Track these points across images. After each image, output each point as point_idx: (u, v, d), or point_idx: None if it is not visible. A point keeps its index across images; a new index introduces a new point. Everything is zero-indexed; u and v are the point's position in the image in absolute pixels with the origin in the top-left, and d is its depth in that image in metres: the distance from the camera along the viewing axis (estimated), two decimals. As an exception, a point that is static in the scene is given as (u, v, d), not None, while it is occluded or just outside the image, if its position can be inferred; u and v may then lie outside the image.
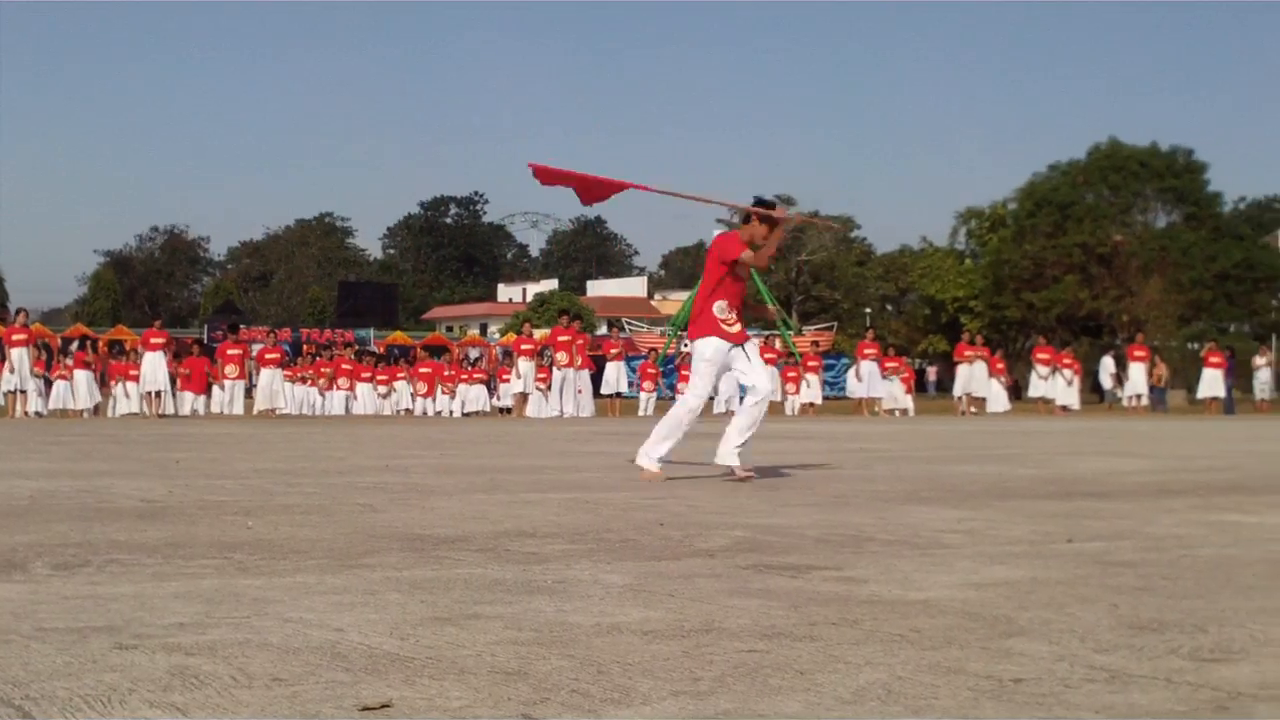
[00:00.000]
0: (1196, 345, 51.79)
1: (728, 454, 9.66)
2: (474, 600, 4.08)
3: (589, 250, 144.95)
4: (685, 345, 49.81)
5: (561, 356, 30.94)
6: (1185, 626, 3.70)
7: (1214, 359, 38.30)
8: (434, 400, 35.18)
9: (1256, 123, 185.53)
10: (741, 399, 10.26)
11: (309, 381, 34.77)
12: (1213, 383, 37.91)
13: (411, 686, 2.87)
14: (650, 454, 9.81)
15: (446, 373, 36.08)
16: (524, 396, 32.31)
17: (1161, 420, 31.49)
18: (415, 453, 14.04)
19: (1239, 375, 41.02)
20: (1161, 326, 56.85)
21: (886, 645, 3.40)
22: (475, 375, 36.15)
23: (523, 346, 32.47)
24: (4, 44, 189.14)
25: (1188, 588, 4.50)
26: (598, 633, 3.53)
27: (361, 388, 34.81)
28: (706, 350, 9.69)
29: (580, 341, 31.76)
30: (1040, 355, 37.94)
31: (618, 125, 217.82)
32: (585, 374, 31.63)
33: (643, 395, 35.32)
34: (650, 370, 35.81)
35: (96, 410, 30.54)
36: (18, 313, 30.13)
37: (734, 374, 9.90)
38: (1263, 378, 40.33)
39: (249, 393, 32.59)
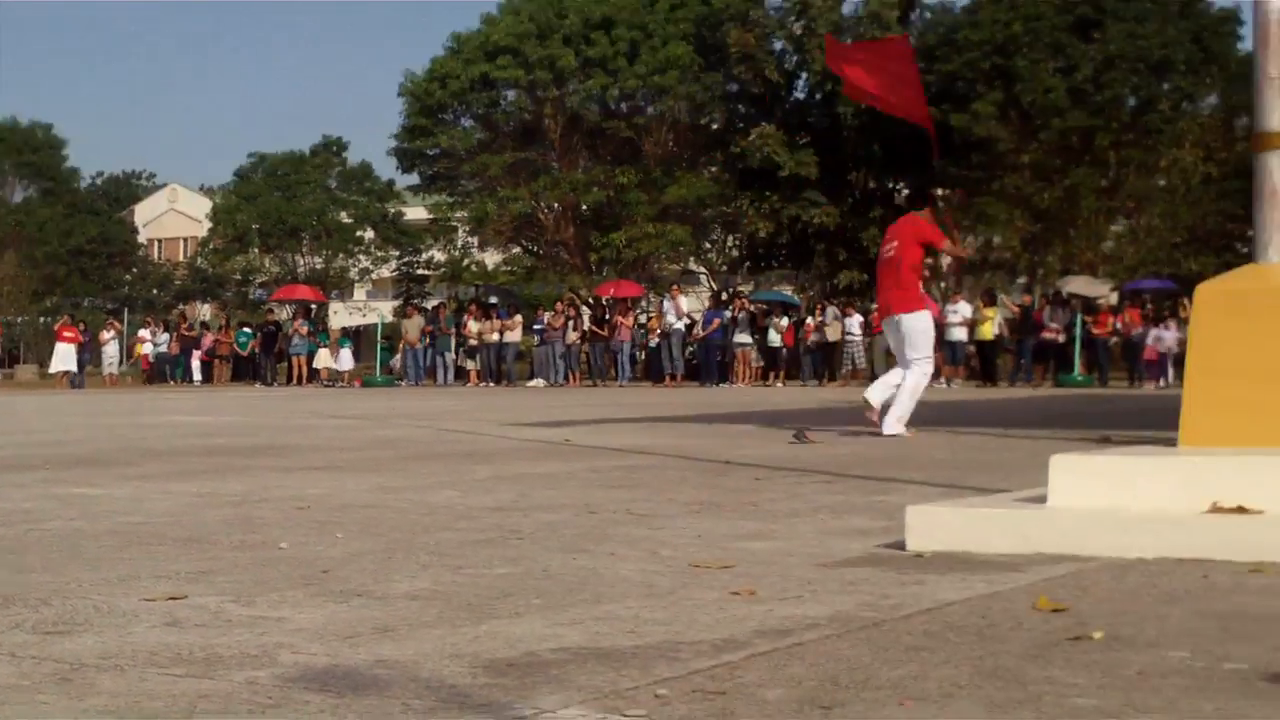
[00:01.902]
0: (49, 320, 51.51)
1: (895, 423, 11.09)
2: None
3: None
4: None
5: None
6: (30, 601, 3.70)
7: (67, 334, 38.37)
8: None
9: (111, 100, 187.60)
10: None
11: None
12: (65, 357, 37.97)
13: None
14: (901, 420, 11.10)
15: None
16: None
17: (8, 394, 31.07)
18: None
19: (92, 350, 41.31)
20: (15, 301, 56.00)
21: None
22: None
23: None
24: None
25: (34, 562, 4.50)
26: None
27: None
28: (924, 323, 11.46)
29: None
30: None
31: None
32: None
33: None
34: None
35: None
36: None
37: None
38: (110, 352, 40.84)
39: None
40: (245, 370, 40.56)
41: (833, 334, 32.86)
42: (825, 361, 33.42)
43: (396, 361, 38.23)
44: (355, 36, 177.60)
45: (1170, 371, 28.97)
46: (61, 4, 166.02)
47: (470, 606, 3.65)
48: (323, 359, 37.98)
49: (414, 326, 37.27)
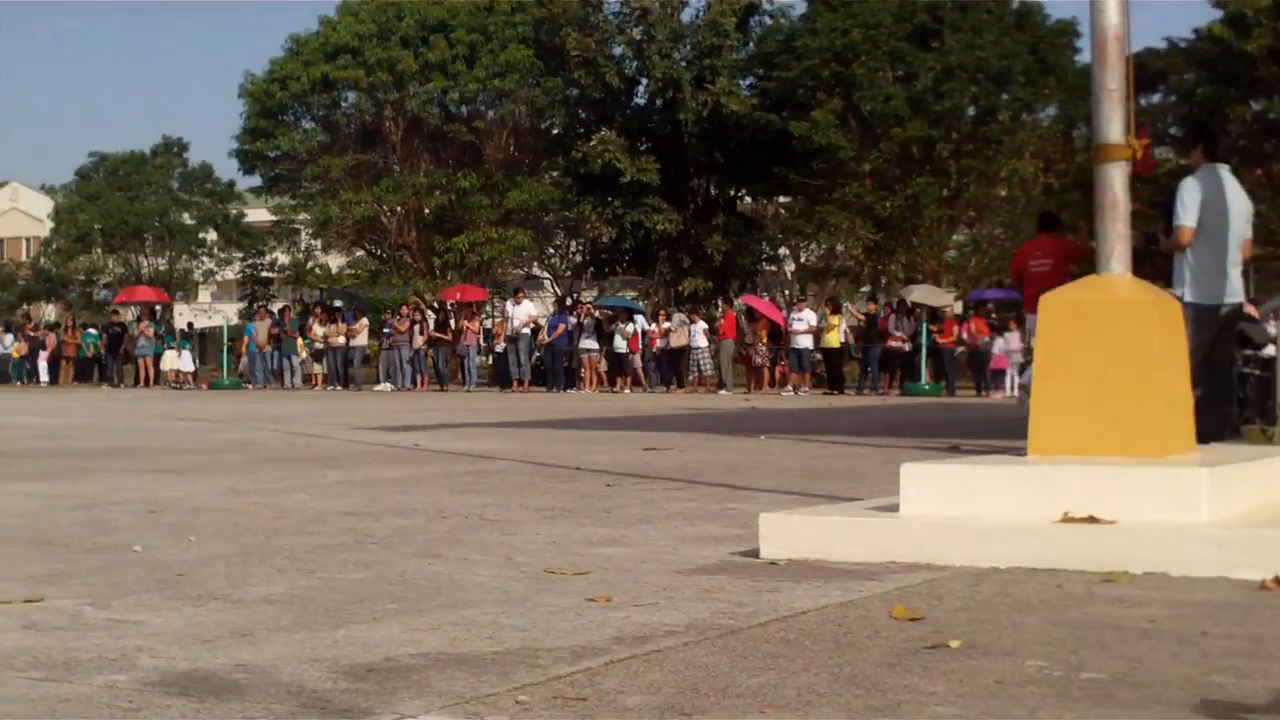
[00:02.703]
0: None
1: None
2: None
3: None
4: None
5: None
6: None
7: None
8: None
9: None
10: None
11: None
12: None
13: None
14: None
15: None
16: None
17: None
18: None
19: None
20: None
21: None
22: None
23: None
24: None
25: None
26: None
27: None
28: None
29: None
30: None
31: None
32: None
33: None
34: None
35: None
36: None
37: None
38: None
39: None
40: (91, 372, 39.80)
41: (678, 340, 32.95)
42: (672, 367, 33.49)
43: (243, 363, 37.71)
44: (195, 36, 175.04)
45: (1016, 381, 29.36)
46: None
47: (327, 611, 3.63)
48: (169, 360, 37.35)
49: (262, 329, 36.84)
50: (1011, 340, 29.50)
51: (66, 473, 8.27)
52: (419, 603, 3.76)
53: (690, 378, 32.70)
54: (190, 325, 44.47)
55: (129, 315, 41.38)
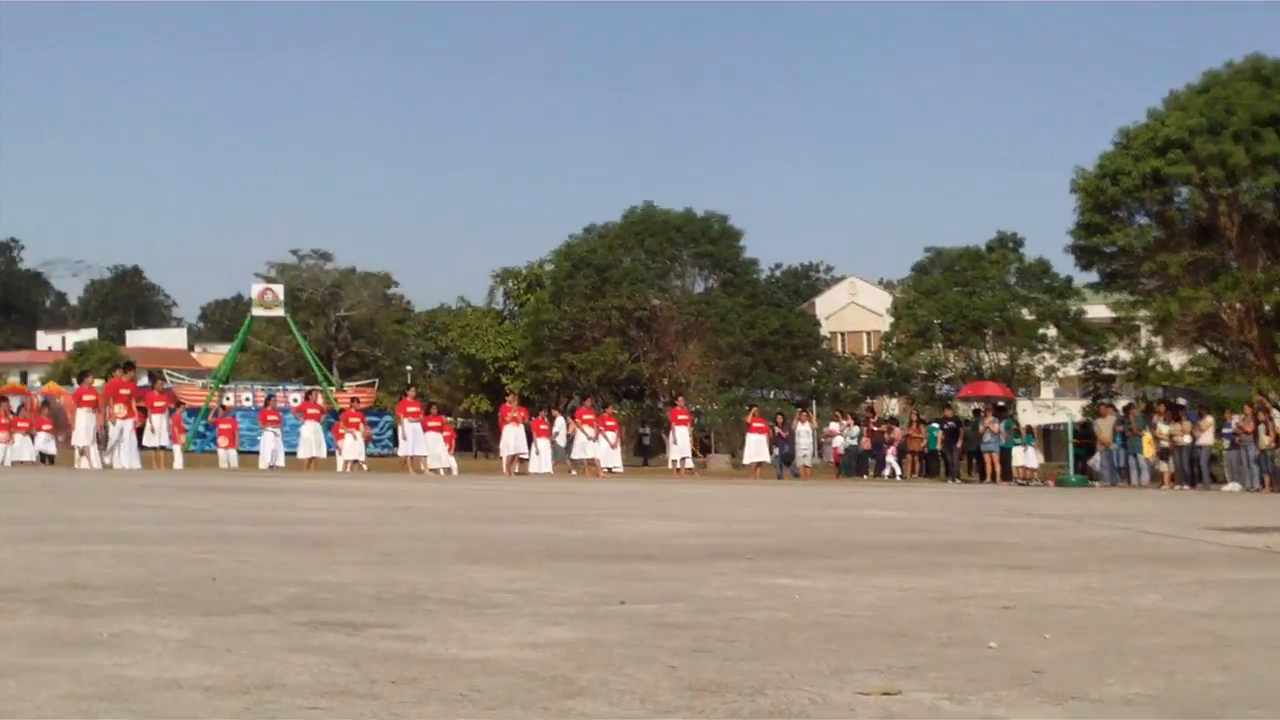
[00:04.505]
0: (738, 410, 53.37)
1: None
2: (31, 653, 3.84)
3: (127, 300, 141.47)
4: (227, 399, 48.76)
5: (120, 409, 29.77)
6: (744, 689, 3.77)
7: (756, 424, 39.67)
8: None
9: (789, 191, 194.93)
10: None
11: None
12: (756, 448, 39.22)
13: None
14: None
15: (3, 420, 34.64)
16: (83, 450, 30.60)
17: (704, 484, 32.51)
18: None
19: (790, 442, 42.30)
20: (702, 391, 58.38)
21: (449, 704, 3.35)
22: (19, 424, 34.98)
23: (84, 398, 30.90)
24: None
25: (744, 650, 4.58)
26: (157, 687, 3.38)
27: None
28: None
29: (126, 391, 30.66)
30: (584, 417, 38.35)
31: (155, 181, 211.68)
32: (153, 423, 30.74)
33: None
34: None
35: None
36: None
37: None
38: (804, 444, 41.60)
39: None
40: (935, 466, 40.82)
41: None
42: None
43: (1094, 461, 37.50)
44: (1026, 133, 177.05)
45: None
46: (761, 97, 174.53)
47: (1187, 713, 3.45)
48: (1017, 456, 37.81)
49: (1106, 426, 36.64)
50: None
51: (916, 566, 8.37)
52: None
53: None
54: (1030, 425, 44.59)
55: (967, 410, 42.10)
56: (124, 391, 30.96)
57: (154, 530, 9.78)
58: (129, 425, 30.30)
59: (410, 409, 35.92)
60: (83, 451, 30.07)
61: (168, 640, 4.28)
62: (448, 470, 35.97)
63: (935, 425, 41.98)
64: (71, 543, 8.27)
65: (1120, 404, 42.42)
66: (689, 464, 39.02)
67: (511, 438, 36.57)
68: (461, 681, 3.70)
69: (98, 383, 33.05)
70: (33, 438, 35.34)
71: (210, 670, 3.71)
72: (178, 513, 12.38)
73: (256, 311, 58.98)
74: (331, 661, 3.97)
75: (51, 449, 35.69)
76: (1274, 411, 36.38)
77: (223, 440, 37.35)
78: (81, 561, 6.88)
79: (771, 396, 60.85)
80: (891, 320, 63.47)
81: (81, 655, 3.88)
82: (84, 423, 29.80)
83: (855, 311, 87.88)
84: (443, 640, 4.56)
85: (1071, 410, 49.02)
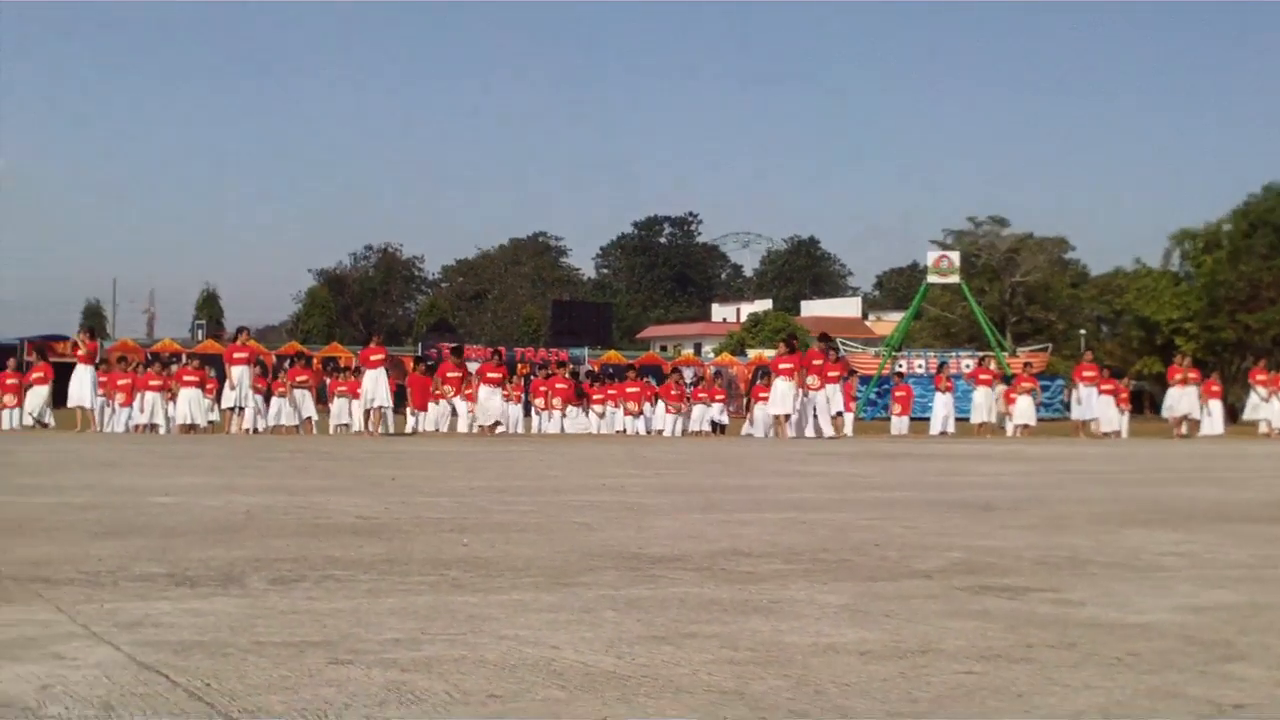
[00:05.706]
0: None
1: None
2: (690, 619, 4.06)
3: (803, 271, 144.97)
4: (900, 365, 49.82)
5: (813, 380, 29.91)
6: None
7: None
8: (641, 419, 35.22)
9: None
10: None
11: (515, 400, 34.97)
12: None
13: (628, 705, 2.87)
14: None
15: (673, 391, 36.22)
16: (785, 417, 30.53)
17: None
18: (629, 472, 13.93)
19: None
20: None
21: (1104, 669, 3.33)
22: (699, 395, 36.56)
23: (781, 366, 31.01)
24: (225, 70, 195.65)
25: None
26: (814, 652, 3.50)
27: (575, 407, 34.99)
28: None
29: (818, 362, 30.64)
30: (1258, 377, 36.40)
31: (825, 153, 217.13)
32: (827, 393, 30.94)
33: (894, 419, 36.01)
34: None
35: (310, 426, 31.38)
36: (239, 331, 30.36)
37: None
38: None
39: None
40: None
41: None
42: None
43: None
44: None
45: None
46: None
47: None
48: None
49: None
50: None
51: None
52: None
53: None
54: None
55: None
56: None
57: (819, 497, 10.10)
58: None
59: (1086, 372, 35.41)
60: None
61: (826, 605, 4.40)
62: (1118, 433, 35.12)
63: None
64: (737, 511, 8.63)
65: None
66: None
67: (1178, 399, 35.26)
68: (1119, 645, 3.66)
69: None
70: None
71: (868, 635, 3.81)
72: (845, 480, 12.74)
73: (931, 278, 59.72)
74: (989, 626, 4.00)
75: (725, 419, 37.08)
76: None
77: (896, 407, 37.91)
78: (746, 529, 7.14)
79: None
80: None
81: (740, 621, 4.04)
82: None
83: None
84: (1103, 604, 4.52)
85: None
